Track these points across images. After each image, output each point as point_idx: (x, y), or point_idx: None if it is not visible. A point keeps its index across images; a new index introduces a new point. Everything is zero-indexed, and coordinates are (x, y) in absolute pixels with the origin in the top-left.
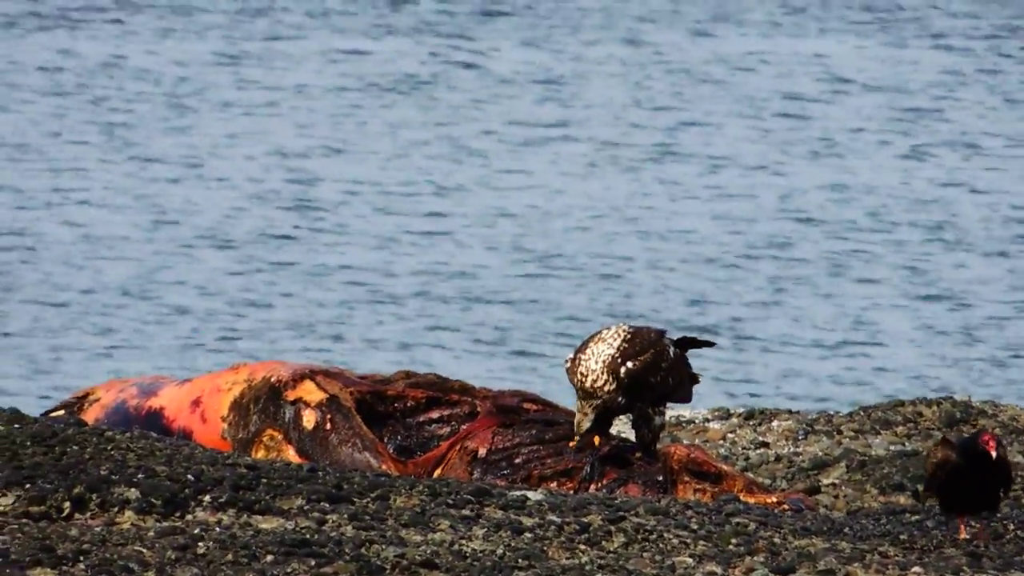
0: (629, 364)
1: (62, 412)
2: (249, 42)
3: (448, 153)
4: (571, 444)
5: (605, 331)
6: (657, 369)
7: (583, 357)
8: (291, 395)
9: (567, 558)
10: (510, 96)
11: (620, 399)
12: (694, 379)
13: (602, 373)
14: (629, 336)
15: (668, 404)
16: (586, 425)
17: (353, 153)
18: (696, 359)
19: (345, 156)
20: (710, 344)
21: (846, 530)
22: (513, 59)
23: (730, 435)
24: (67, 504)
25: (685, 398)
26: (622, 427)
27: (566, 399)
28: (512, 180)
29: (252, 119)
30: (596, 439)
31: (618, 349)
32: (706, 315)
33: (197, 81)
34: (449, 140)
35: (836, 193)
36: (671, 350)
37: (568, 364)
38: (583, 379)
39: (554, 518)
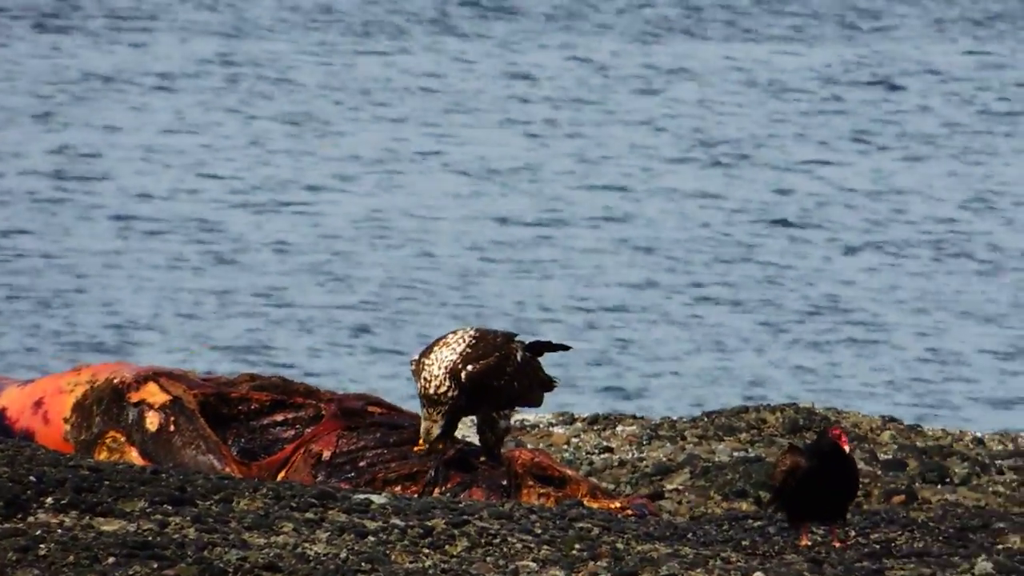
0: (470, 368)
1: None
2: None
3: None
4: (416, 448)
5: (451, 335)
6: (501, 373)
7: (427, 362)
8: (134, 397)
9: (411, 562)
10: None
11: (463, 402)
12: (547, 385)
13: (444, 379)
14: (473, 340)
15: (516, 408)
16: (436, 431)
17: None
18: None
19: None
20: (565, 348)
21: (689, 535)
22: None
23: (574, 440)
24: None
25: (534, 403)
26: (467, 431)
27: (415, 402)
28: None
29: None
30: (442, 444)
31: (460, 354)
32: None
33: None
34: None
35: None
36: (519, 354)
37: (412, 367)
38: (426, 385)
39: (398, 522)
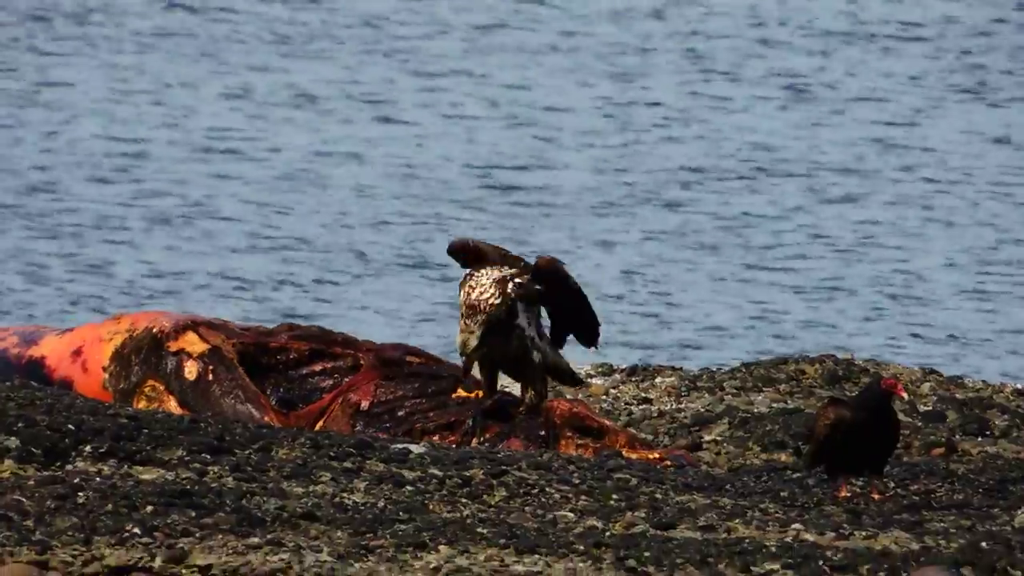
0: (517, 282)
1: None
2: None
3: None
4: (454, 396)
5: (508, 253)
6: (545, 299)
7: (476, 274)
8: (173, 346)
9: (448, 512)
10: None
11: (502, 315)
12: (595, 325)
13: (490, 287)
14: (524, 262)
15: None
16: (473, 343)
17: None
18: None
19: None
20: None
21: (727, 487)
22: None
23: (613, 391)
24: None
25: (587, 339)
26: (505, 381)
27: (454, 354)
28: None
29: None
30: (479, 393)
31: (511, 271)
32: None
33: None
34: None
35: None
36: (569, 281)
37: (461, 279)
38: (470, 292)
39: (436, 471)
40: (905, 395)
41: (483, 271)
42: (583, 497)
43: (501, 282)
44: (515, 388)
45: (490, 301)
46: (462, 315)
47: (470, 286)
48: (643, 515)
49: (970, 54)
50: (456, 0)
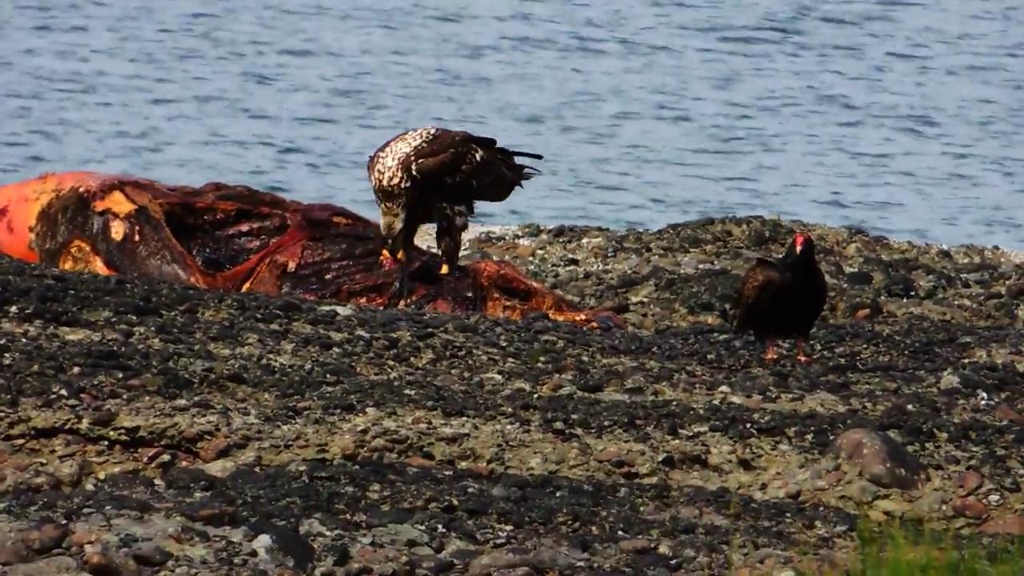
0: (421, 161)
1: None
2: None
3: None
4: (382, 260)
5: (410, 132)
6: (454, 170)
7: (381, 155)
8: (100, 206)
9: (376, 374)
10: None
11: (415, 196)
12: (513, 182)
13: (397, 170)
14: (431, 137)
15: (473, 209)
16: (398, 225)
17: None
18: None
19: None
20: (537, 156)
21: (654, 349)
22: None
23: (540, 251)
24: None
25: (495, 198)
26: (431, 242)
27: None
28: None
29: None
30: (401, 255)
31: (415, 148)
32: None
33: None
34: None
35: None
36: (478, 154)
37: (368, 162)
38: (379, 177)
39: (363, 333)
40: (799, 248)
41: (387, 149)
42: (510, 359)
43: (405, 164)
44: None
45: (400, 186)
46: (379, 199)
47: (378, 171)
48: (570, 377)
49: None
50: None
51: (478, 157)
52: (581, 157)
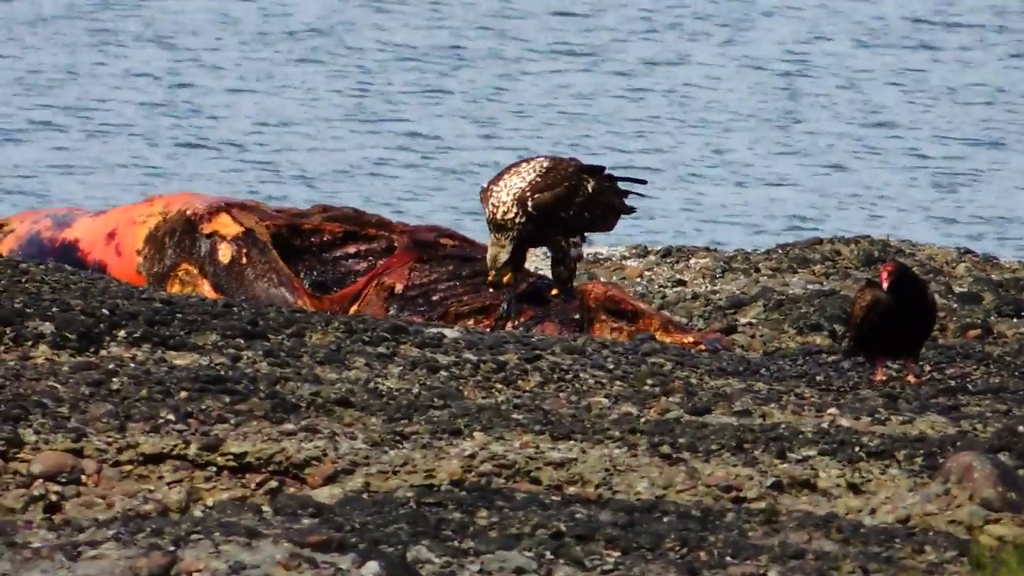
0: (537, 196)
1: None
2: None
3: None
4: (489, 279)
5: (523, 163)
6: (569, 204)
7: (495, 189)
8: (207, 228)
9: (483, 397)
10: None
11: (529, 229)
12: (622, 211)
13: (512, 206)
14: (544, 170)
15: (588, 236)
16: (503, 257)
17: None
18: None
19: None
20: (642, 182)
21: (762, 370)
22: None
23: (647, 272)
24: None
25: (605, 229)
26: (539, 263)
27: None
28: None
29: None
30: (509, 275)
31: (529, 183)
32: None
33: None
34: None
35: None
36: (589, 185)
37: (481, 193)
38: (494, 211)
39: (470, 356)
40: (886, 284)
41: (501, 182)
42: (617, 382)
43: (520, 199)
44: (548, 271)
45: (515, 220)
46: (490, 229)
47: (492, 204)
48: (678, 400)
49: None
50: None
51: (590, 188)
52: (687, 173)
